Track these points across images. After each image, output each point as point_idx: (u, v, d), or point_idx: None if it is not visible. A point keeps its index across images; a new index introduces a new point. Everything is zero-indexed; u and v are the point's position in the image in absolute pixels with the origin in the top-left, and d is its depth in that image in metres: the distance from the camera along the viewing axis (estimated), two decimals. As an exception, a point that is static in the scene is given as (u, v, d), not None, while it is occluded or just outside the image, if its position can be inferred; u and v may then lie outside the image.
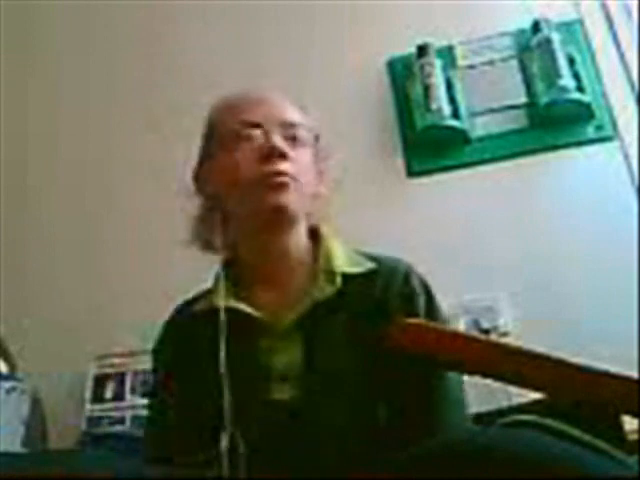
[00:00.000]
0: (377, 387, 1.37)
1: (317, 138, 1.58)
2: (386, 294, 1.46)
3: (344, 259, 1.50)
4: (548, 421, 1.12)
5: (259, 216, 1.47)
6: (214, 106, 1.61)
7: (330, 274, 1.47)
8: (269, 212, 1.46)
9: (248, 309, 1.45)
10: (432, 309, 1.48)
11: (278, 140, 1.47)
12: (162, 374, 1.56)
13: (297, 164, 1.48)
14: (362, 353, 1.39)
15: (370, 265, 1.50)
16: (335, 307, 1.44)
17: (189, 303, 1.58)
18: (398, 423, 1.34)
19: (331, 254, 1.51)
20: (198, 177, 1.58)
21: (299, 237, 1.52)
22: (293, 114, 1.55)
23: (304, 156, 1.51)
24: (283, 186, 1.44)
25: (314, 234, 1.56)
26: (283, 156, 1.46)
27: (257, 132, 1.48)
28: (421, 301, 1.47)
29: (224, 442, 1.32)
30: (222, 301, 1.46)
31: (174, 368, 1.51)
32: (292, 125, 1.52)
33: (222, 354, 1.39)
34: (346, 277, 1.47)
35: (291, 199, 1.45)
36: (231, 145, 1.50)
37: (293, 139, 1.50)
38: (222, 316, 1.44)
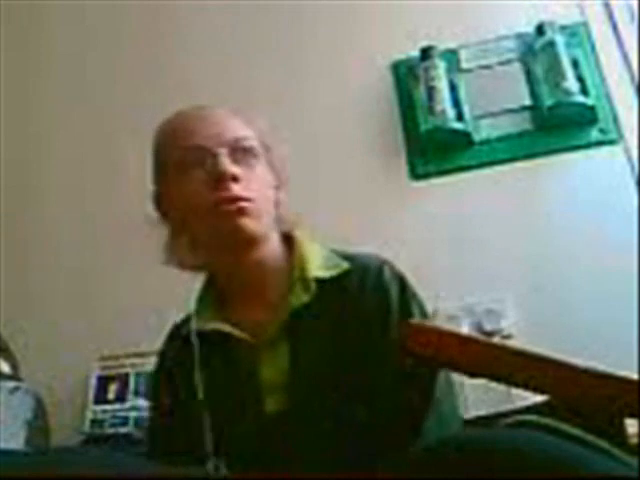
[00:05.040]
0: (359, 388, 1.37)
1: (268, 148, 1.55)
2: (360, 291, 1.47)
3: (318, 264, 1.50)
4: (550, 421, 1.12)
5: (222, 240, 1.47)
6: (159, 129, 1.58)
7: (305, 281, 1.47)
8: (230, 237, 1.46)
9: (229, 329, 1.46)
10: (406, 300, 1.47)
11: (227, 163, 1.45)
12: (157, 402, 1.60)
13: (251, 181, 1.47)
14: (344, 355, 1.40)
15: (344, 266, 1.50)
16: (313, 312, 1.44)
17: (179, 326, 1.60)
18: (384, 425, 1.34)
19: (305, 260, 1.51)
20: (158, 202, 1.57)
21: (269, 249, 1.52)
22: (240, 129, 1.52)
23: (257, 169, 1.50)
24: (240, 211, 1.44)
25: (288, 240, 1.56)
26: (234, 179, 1.44)
27: (204, 156, 1.46)
28: (393, 292, 1.47)
29: (210, 466, 1.34)
30: (200, 325, 1.49)
31: (167, 396, 1.54)
32: (240, 141, 1.50)
33: (197, 380, 1.44)
34: (321, 281, 1.47)
35: (249, 221, 1.44)
36: (180, 172, 1.48)
37: (243, 155, 1.49)
38: (195, 341, 1.47)
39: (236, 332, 1.46)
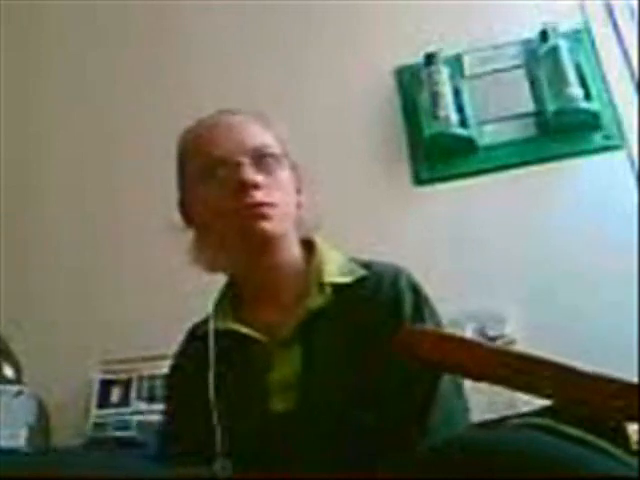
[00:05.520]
0: (368, 394, 1.37)
1: (286, 153, 1.57)
2: (375, 298, 1.48)
3: (336, 269, 1.53)
4: (551, 422, 1.13)
5: (242, 243, 1.49)
6: (182, 139, 1.61)
7: (321, 285, 1.50)
8: (250, 239, 1.48)
9: (244, 329, 1.49)
10: (419, 308, 1.49)
11: (247, 172, 1.47)
12: (172, 401, 1.61)
13: (272, 187, 1.49)
14: (356, 359, 1.40)
15: (360, 273, 1.52)
16: (328, 316, 1.46)
17: (196, 328, 1.62)
18: (391, 431, 1.34)
19: (323, 265, 1.53)
20: (183, 208, 1.60)
21: (287, 252, 1.54)
22: (260, 137, 1.54)
23: (280, 174, 1.52)
24: (261, 217, 1.46)
25: (308, 245, 1.58)
26: (255, 186, 1.46)
27: (227, 166, 1.48)
28: (407, 300, 1.48)
29: (217, 466, 1.35)
30: (212, 325, 1.51)
31: (182, 395, 1.56)
32: (261, 149, 1.52)
33: (211, 380, 1.44)
34: (338, 286, 1.50)
35: (271, 226, 1.47)
36: (204, 180, 1.50)
37: (265, 161, 1.51)
38: (211, 342, 1.49)
39: (250, 332, 1.48)
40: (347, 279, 1.51)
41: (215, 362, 1.47)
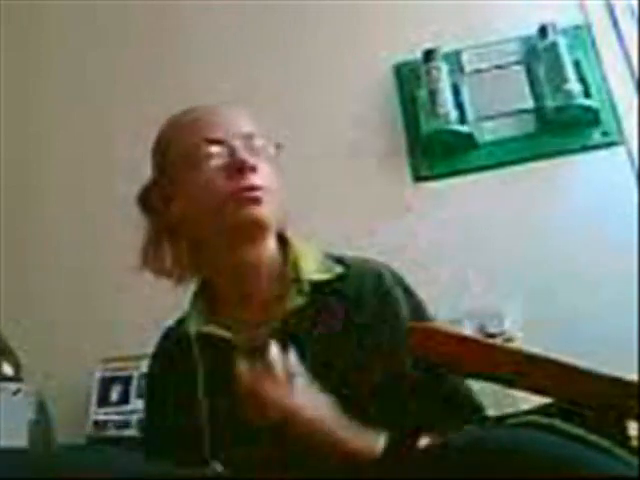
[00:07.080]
0: (356, 391, 1.36)
1: (278, 146, 1.55)
2: (359, 296, 1.46)
3: (313, 266, 1.50)
4: (552, 421, 1.12)
5: (234, 232, 1.46)
6: (168, 125, 1.57)
7: (299, 283, 1.47)
8: (245, 227, 1.45)
9: (221, 332, 1.46)
10: (416, 305, 1.49)
11: (244, 154, 1.46)
12: (153, 405, 1.60)
13: (264, 175, 1.47)
14: (343, 359, 1.39)
15: (339, 270, 1.50)
16: (309, 316, 1.44)
17: (172, 329, 1.60)
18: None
19: (299, 262, 1.50)
20: (157, 200, 1.55)
21: (267, 248, 1.51)
22: (250, 125, 1.53)
23: (266, 165, 1.50)
24: (257, 200, 1.44)
25: (281, 240, 1.55)
26: (253, 169, 1.45)
27: (220, 148, 1.47)
28: (399, 297, 1.47)
29: (212, 467, 1.34)
30: (193, 328, 1.49)
31: (164, 398, 1.54)
32: (252, 136, 1.50)
33: (199, 382, 1.44)
34: (316, 284, 1.47)
35: (265, 211, 1.45)
36: (194, 164, 1.47)
37: (254, 150, 1.49)
38: (195, 345, 1.47)
39: (231, 336, 1.45)
40: (326, 276, 1.48)
41: (197, 366, 1.46)
